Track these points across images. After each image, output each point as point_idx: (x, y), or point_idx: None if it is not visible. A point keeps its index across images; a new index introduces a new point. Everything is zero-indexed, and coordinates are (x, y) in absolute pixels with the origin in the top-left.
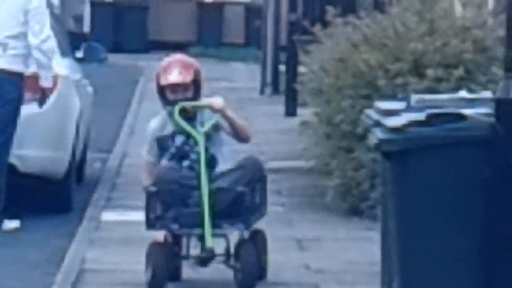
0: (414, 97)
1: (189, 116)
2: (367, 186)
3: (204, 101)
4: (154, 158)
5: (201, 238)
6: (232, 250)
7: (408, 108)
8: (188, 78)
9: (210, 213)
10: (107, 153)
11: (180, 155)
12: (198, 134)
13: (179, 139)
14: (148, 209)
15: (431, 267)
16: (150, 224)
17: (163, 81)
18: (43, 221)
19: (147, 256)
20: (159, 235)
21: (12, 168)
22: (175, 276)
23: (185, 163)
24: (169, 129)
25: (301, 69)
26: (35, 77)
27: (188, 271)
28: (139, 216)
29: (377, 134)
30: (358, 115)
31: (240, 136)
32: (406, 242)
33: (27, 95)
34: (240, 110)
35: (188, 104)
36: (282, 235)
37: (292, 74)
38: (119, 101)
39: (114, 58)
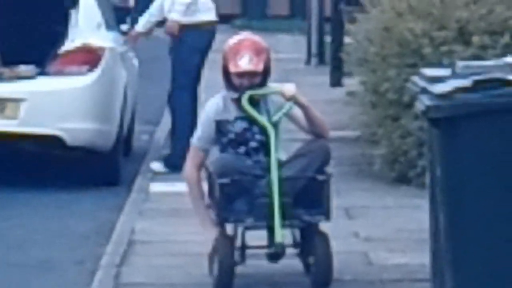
0: (460, 64)
1: (255, 102)
2: (415, 154)
3: (273, 87)
4: (207, 144)
5: (271, 231)
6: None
7: (454, 75)
8: (259, 66)
9: (281, 204)
10: (154, 126)
11: (238, 142)
12: (268, 124)
13: (240, 125)
14: (221, 201)
15: (480, 233)
16: (223, 218)
17: (232, 68)
18: (92, 194)
19: (212, 253)
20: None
21: (59, 141)
22: None
23: (241, 149)
24: (230, 113)
25: (346, 39)
26: (81, 50)
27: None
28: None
29: (424, 101)
30: (404, 84)
31: (316, 129)
32: (454, 210)
33: (74, 68)
34: (286, 81)
35: (258, 92)
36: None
37: (338, 44)
38: (165, 73)
39: (160, 31)
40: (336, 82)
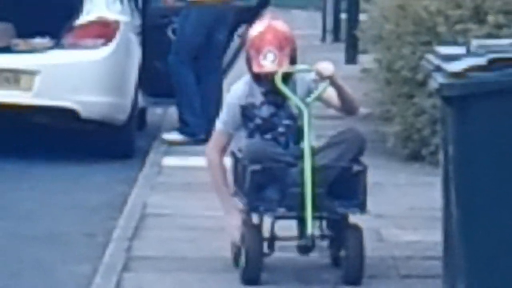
0: (475, 42)
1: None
2: (428, 132)
3: (306, 66)
4: (231, 128)
5: (302, 222)
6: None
7: (469, 53)
8: (283, 64)
9: (313, 194)
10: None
11: (265, 128)
12: (303, 105)
13: (267, 110)
14: (252, 189)
15: (492, 211)
16: (254, 206)
17: (256, 68)
18: (105, 167)
19: (238, 243)
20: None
21: (74, 113)
22: None
23: (268, 135)
24: (256, 98)
25: (362, 16)
26: (96, 23)
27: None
28: (200, 161)
29: (438, 79)
30: (418, 62)
31: (348, 108)
32: (466, 188)
33: (89, 41)
34: (301, 57)
35: (292, 70)
36: None
37: (353, 21)
38: None
39: None
40: (351, 59)
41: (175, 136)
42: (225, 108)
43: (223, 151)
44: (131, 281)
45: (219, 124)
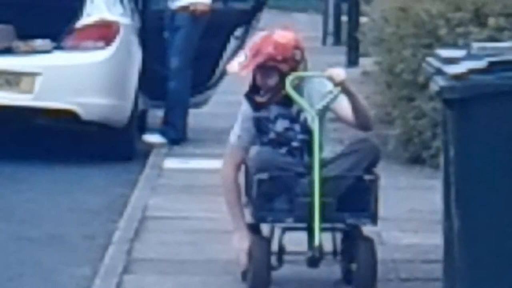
0: (475, 45)
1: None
2: (429, 135)
3: (318, 72)
4: (247, 143)
5: (311, 233)
6: (339, 246)
7: (469, 56)
8: (247, 68)
9: (322, 205)
10: None
11: (280, 142)
12: (313, 112)
13: (281, 124)
14: (259, 199)
15: (492, 215)
16: (260, 216)
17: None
18: (105, 169)
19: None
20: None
21: (74, 115)
22: None
23: (283, 149)
24: (271, 111)
25: (363, 19)
26: (97, 25)
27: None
28: (201, 163)
29: (438, 82)
30: (419, 64)
31: (362, 120)
32: (467, 191)
33: (90, 43)
34: None
35: (303, 75)
36: None
37: (354, 24)
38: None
39: None
40: (352, 61)
41: (156, 138)
42: (239, 121)
43: (238, 166)
44: (131, 283)
45: (233, 139)
